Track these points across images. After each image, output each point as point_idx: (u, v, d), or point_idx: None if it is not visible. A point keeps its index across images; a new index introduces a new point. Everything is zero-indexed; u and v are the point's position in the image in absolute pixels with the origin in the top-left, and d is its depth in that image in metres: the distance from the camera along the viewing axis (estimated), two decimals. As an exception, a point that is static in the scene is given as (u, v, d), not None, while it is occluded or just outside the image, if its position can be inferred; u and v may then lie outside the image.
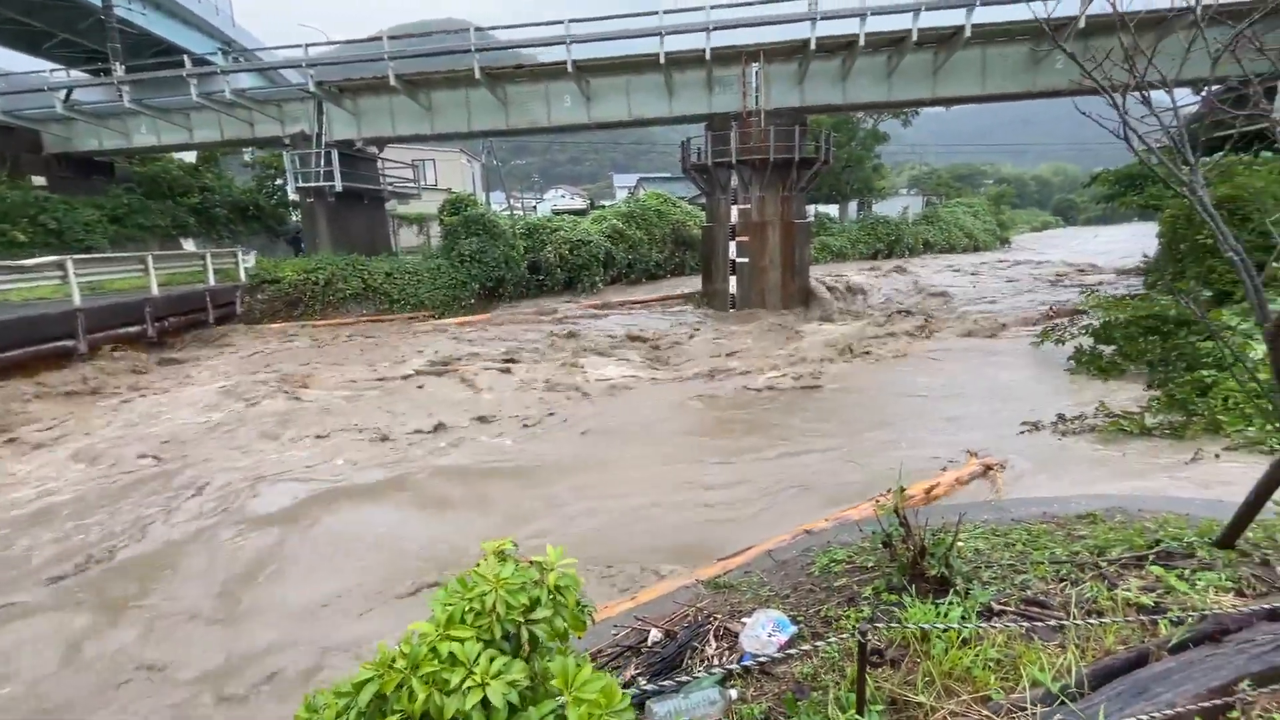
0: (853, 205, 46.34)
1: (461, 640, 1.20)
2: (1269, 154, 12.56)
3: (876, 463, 7.44)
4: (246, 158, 33.74)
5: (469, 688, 1.14)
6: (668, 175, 51.58)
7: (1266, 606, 2.52)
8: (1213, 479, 5.73)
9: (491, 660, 1.17)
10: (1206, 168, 11.05)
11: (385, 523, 6.64)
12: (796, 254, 20.61)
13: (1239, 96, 3.13)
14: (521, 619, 1.25)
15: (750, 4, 18.38)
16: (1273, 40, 3.13)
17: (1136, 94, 2.99)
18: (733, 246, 20.26)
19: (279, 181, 30.37)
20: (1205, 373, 7.78)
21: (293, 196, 24.36)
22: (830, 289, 22.11)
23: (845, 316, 19.14)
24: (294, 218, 30.96)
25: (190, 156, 29.31)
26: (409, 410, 10.34)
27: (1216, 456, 6.20)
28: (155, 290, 15.36)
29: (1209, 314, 8.53)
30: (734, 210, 20.01)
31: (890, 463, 6.99)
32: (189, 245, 25.17)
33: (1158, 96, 3.08)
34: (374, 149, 24.52)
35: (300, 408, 10.46)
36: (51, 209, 21.07)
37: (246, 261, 19.28)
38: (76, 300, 12.87)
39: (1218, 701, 2.07)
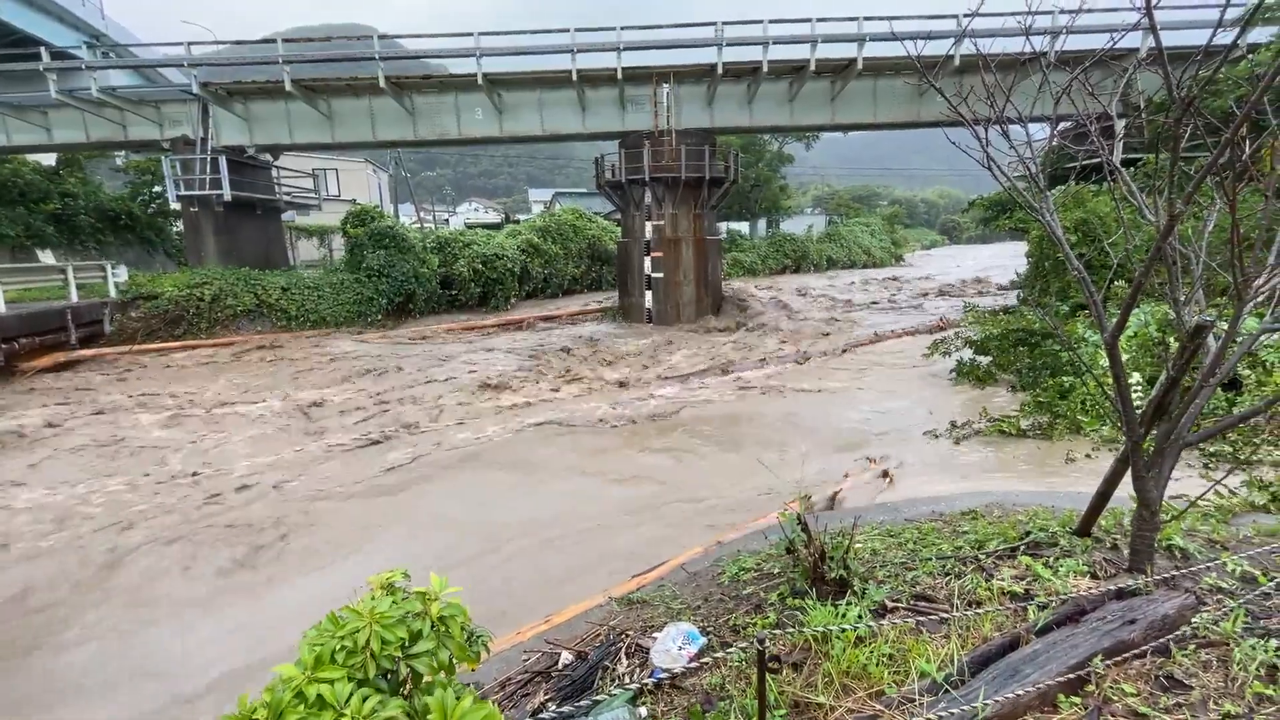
0: (762, 223, 48.39)
1: (331, 681, 1.11)
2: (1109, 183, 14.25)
3: (785, 473, 7.70)
4: (119, 162, 30.65)
5: (338, 733, 1.05)
6: (584, 190, 51.79)
7: (1115, 587, 2.81)
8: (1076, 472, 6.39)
9: (364, 700, 1.10)
10: (1059, 195, 12.46)
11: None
12: (709, 269, 21.22)
13: (1082, 133, 3.52)
14: (400, 654, 1.18)
15: (660, 27, 18.91)
16: (1109, 86, 3.57)
17: (998, 127, 3.32)
18: (648, 262, 20.58)
19: (157, 189, 27.79)
20: (1065, 379, 8.69)
21: (175, 205, 22.34)
22: (745, 303, 22.87)
23: (758, 329, 19.84)
24: (175, 228, 28.41)
25: (50, 159, 26.26)
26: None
27: (1089, 456, 6.93)
28: (2, 307, 13.62)
29: (1065, 326, 9.55)
30: (648, 226, 20.36)
31: (794, 473, 7.28)
32: (47, 257, 22.51)
33: (1022, 130, 3.42)
34: (268, 156, 23.02)
35: None
36: None
37: (117, 275, 17.47)
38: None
39: (1075, 676, 2.28)
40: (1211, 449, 6.32)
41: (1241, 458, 5.95)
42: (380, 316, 20.87)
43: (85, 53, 19.90)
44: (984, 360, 11.52)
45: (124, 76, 22.98)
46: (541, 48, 18.78)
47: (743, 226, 46.27)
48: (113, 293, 17.01)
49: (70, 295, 15.77)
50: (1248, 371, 7.29)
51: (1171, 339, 7.70)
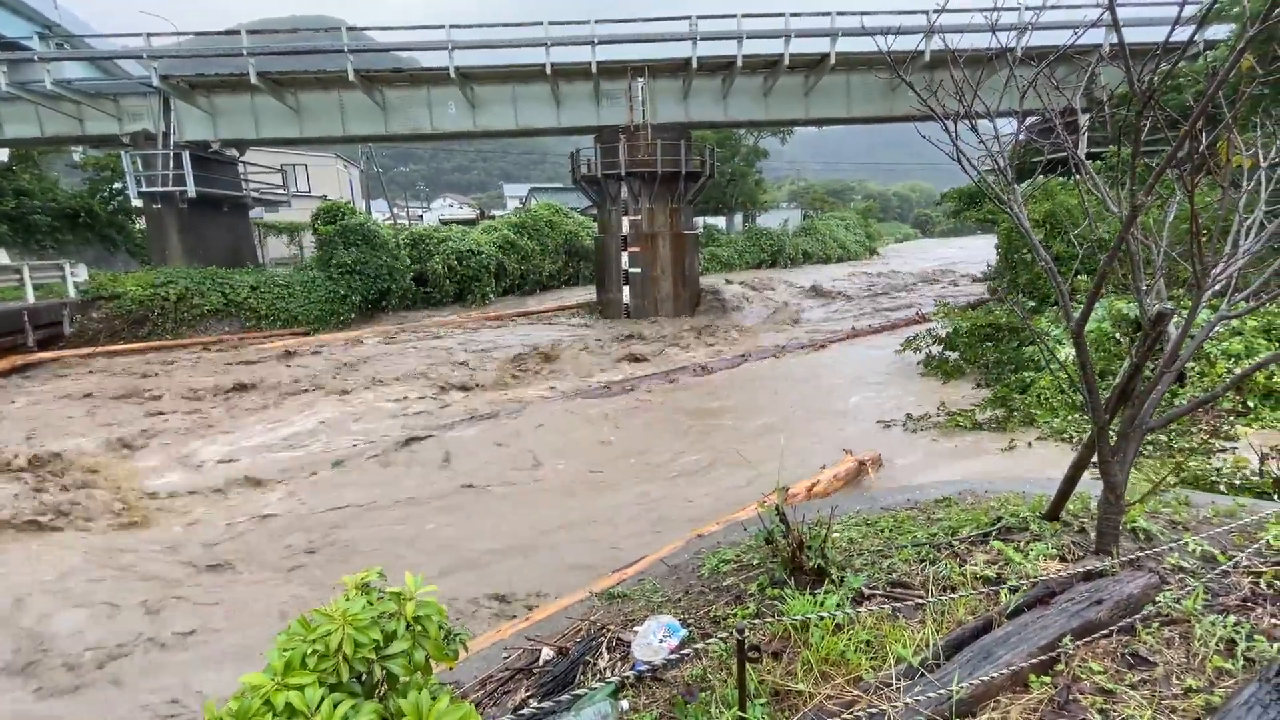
0: (738, 217, 48.55)
1: (301, 687, 1.08)
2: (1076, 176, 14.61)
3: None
4: (76, 158, 29.58)
5: (309, 739, 1.02)
6: (560, 186, 51.42)
7: (1083, 569, 2.89)
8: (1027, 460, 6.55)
9: (336, 705, 1.07)
10: (1029, 188, 12.72)
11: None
12: (686, 263, 21.25)
13: (1048, 128, 3.59)
14: (374, 656, 1.15)
15: (634, 21, 18.82)
16: (1074, 81, 3.64)
17: (967, 122, 3.36)
18: (625, 257, 20.54)
19: (118, 185, 26.90)
20: (1026, 374, 8.94)
21: (137, 202, 21.69)
22: (722, 297, 22.95)
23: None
24: (138, 226, 27.56)
25: (2, 154, 25.24)
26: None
27: (1030, 445, 7.14)
28: (-46, 310, 13.09)
29: (1031, 320, 9.80)
30: (625, 221, 20.31)
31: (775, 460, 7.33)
32: (1, 257, 21.66)
33: (990, 125, 3.47)
34: (234, 151, 22.43)
35: None
36: None
37: (76, 275, 16.89)
38: None
39: (1046, 657, 2.34)
40: (1150, 437, 6.55)
41: (1187, 445, 6.17)
42: (353, 315, 20.53)
43: (37, 44, 19.16)
44: (953, 355, 11.78)
45: (80, 69, 22.15)
46: (515, 41, 18.57)
47: (719, 221, 46.38)
48: (72, 293, 16.45)
49: (27, 296, 15.22)
50: (1192, 363, 7.56)
51: (1119, 335, 7.96)
